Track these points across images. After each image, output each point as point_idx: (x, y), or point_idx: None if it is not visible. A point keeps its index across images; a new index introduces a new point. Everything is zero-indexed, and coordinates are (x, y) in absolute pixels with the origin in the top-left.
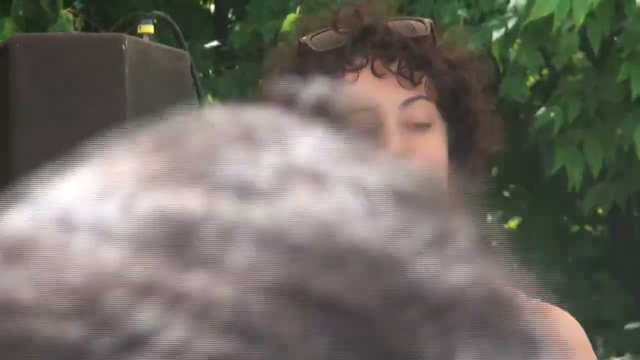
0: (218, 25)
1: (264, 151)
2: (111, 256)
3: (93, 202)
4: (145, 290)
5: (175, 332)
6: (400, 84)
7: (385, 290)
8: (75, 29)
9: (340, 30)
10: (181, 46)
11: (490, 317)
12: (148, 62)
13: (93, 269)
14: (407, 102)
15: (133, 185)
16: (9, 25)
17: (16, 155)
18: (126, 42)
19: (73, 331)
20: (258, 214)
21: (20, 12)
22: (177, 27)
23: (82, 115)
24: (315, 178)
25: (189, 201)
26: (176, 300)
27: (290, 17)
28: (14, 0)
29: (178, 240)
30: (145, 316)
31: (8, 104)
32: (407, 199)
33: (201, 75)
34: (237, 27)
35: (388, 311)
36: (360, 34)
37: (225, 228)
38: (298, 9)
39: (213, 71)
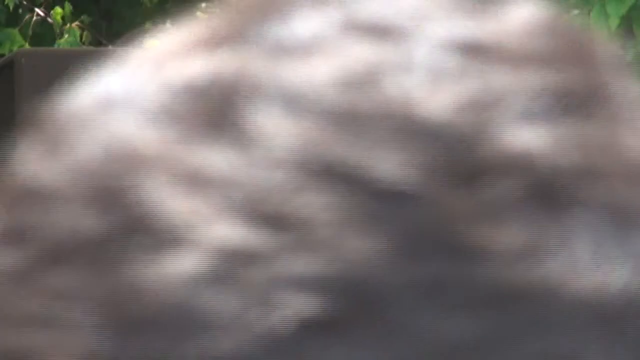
0: None
1: (322, 5)
2: (151, 138)
3: (133, 78)
4: (183, 178)
5: (212, 226)
6: None
7: (445, 169)
8: (82, 42)
9: None
10: None
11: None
12: None
13: (129, 153)
14: None
15: (167, 60)
16: (17, 39)
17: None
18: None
19: (105, 225)
20: (299, 74)
21: (30, 28)
22: None
23: None
24: (380, 32)
25: (226, 68)
26: (211, 189)
27: None
28: (24, 16)
29: (213, 115)
30: (180, 207)
31: (14, 117)
32: (505, 56)
33: None
34: None
35: (452, 194)
36: None
37: (260, 93)
38: None
39: None
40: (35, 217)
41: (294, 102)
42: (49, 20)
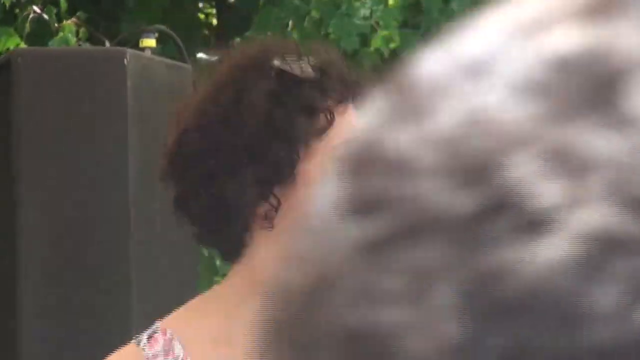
0: (221, 40)
1: None
2: (521, 113)
3: (498, 45)
4: (555, 158)
5: (585, 211)
6: None
7: None
8: (79, 39)
9: (314, 62)
10: (183, 60)
11: None
12: (150, 76)
13: (496, 127)
14: None
15: (536, 29)
16: (13, 38)
17: (18, 167)
18: (128, 56)
19: (469, 202)
20: None
21: (27, 26)
22: (179, 40)
23: (84, 128)
24: None
25: (603, 43)
26: (586, 171)
27: (298, 30)
28: (20, 15)
29: (587, 93)
30: (552, 189)
31: (10, 118)
32: None
33: None
34: (245, 36)
35: None
36: (332, 67)
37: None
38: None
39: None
40: (392, 187)
41: None
42: (45, 16)
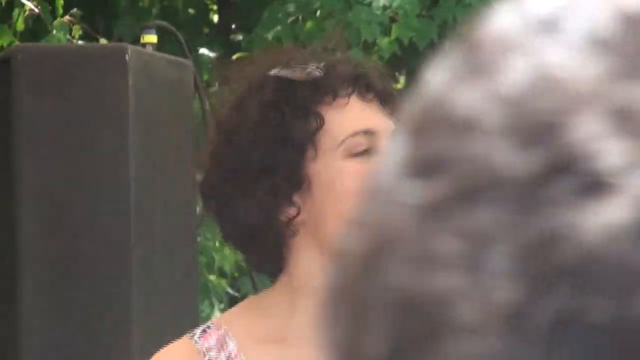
0: (223, 36)
1: None
2: (587, 71)
3: (564, 2)
4: (619, 118)
5: (638, 165)
6: (381, 112)
7: None
8: (73, 37)
9: (316, 64)
10: (185, 56)
11: None
12: (151, 72)
13: (562, 86)
14: None
15: None
16: (7, 35)
17: (18, 165)
18: (129, 52)
19: (530, 163)
20: None
21: (21, 24)
22: (180, 36)
23: (84, 125)
24: None
25: None
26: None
27: (309, 23)
28: (15, 12)
29: None
30: (615, 150)
31: (10, 114)
32: None
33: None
34: (254, 33)
35: None
36: (336, 65)
37: None
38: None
39: (219, 81)
40: (451, 148)
41: None
42: (37, 11)
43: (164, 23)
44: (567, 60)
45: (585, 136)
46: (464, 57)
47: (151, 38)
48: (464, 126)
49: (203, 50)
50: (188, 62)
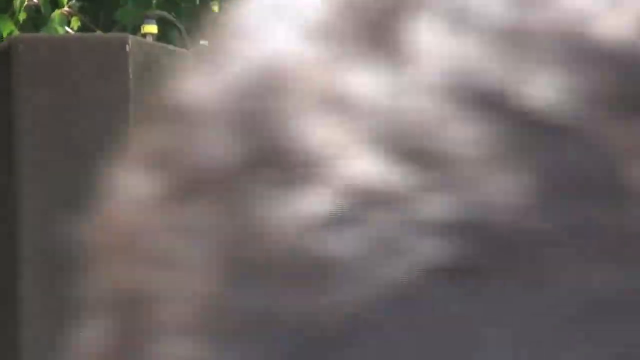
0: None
1: None
2: (301, 57)
3: None
4: (325, 104)
5: (340, 153)
6: None
7: (615, 98)
8: (71, 29)
9: None
10: (185, 47)
11: None
12: (152, 62)
13: (275, 74)
14: None
15: None
16: (8, 25)
17: (19, 154)
18: (130, 43)
19: (237, 155)
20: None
21: (23, 13)
22: (180, 26)
23: (85, 115)
24: None
25: None
26: (347, 111)
27: None
28: (17, 2)
29: (371, 31)
30: (322, 139)
31: (11, 103)
32: None
33: None
34: None
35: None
36: None
37: (424, 6)
38: None
39: None
40: (178, 141)
41: (458, 17)
42: (36, 1)
43: (165, 13)
44: (286, 46)
45: (291, 126)
46: (207, 49)
47: (151, 28)
48: (192, 118)
49: (204, 42)
50: (189, 52)
